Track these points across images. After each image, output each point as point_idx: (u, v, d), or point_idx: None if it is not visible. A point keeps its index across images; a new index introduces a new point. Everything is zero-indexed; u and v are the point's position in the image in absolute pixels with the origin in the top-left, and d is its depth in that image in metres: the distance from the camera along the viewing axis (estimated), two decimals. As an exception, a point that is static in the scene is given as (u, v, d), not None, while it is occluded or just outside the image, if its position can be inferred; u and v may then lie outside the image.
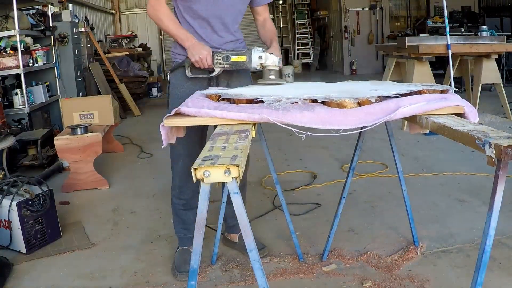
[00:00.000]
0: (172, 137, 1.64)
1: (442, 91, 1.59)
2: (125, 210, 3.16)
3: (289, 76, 10.24)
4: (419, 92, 1.57)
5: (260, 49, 1.98)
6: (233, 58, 1.98)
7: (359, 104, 1.47)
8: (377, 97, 1.50)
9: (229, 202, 2.07)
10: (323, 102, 1.51)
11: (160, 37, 12.42)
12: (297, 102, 1.48)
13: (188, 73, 2.08)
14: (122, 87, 7.42)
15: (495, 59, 5.23)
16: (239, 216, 1.15)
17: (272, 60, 1.96)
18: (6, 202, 2.50)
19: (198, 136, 2.19)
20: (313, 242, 2.52)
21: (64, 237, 2.73)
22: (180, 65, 2.10)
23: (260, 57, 1.95)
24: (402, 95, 1.54)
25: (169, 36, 2.07)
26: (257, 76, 2.00)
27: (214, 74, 2.05)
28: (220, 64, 2.00)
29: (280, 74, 2.00)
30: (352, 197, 3.15)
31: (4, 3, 4.68)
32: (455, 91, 1.66)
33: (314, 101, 1.52)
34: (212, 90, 1.81)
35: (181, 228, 2.34)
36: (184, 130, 1.70)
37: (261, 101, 1.51)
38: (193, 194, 2.26)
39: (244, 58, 1.97)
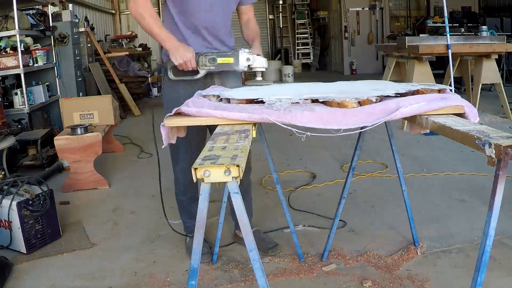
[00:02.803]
0: (172, 137, 1.64)
1: (439, 91, 1.59)
2: (125, 210, 3.16)
3: (289, 76, 10.23)
4: (417, 92, 1.57)
5: (247, 50, 1.96)
6: (220, 60, 1.94)
7: (360, 104, 1.47)
8: (377, 96, 1.50)
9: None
10: (323, 102, 1.51)
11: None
12: (298, 102, 1.48)
13: (170, 75, 2.05)
14: (122, 87, 7.42)
15: (495, 59, 5.23)
16: (239, 216, 1.15)
17: (260, 62, 1.95)
18: (6, 202, 2.50)
19: (200, 135, 2.24)
20: (313, 242, 2.52)
21: (64, 237, 2.73)
22: (163, 67, 2.09)
23: (248, 59, 1.93)
24: (401, 94, 1.54)
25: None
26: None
27: (198, 76, 2.00)
28: (206, 66, 1.96)
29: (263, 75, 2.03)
30: (352, 197, 3.15)
31: (4, 3, 4.68)
32: (455, 91, 1.66)
33: (315, 101, 1.52)
34: (212, 91, 1.81)
35: (189, 218, 2.45)
36: (185, 130, 1.70)
37: (262, 101, 1.51)
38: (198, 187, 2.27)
39: (231, 60, 1.93)
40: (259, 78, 1.98)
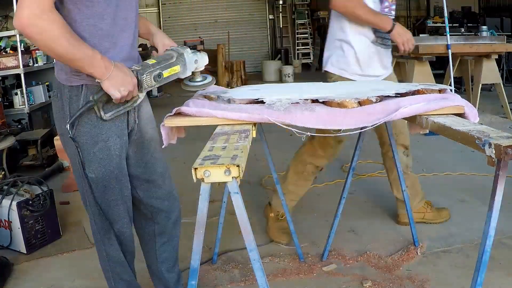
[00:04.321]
0: (173, 137, 1.64)
1: (440, 91, 1.59)
2: (125, 210, 3.16)
3: (289, 76, 10.22)
4: (417, 92, 1.57)
5: (189, 49, 1.56)
6: (166, 73, 1.47)
7: (360, 104, 1.47)
8: (377, 96, 1.50)
9: None
10: (323, 102, 1.51)
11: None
12: (298, 102, 1.48)
13: (103, 115, 1.43)
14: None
15: (495, 59, 5.23)
16: (239, 216, 1.16)
17: (204, 58, 1.59)
18: (6, 202, 2.50)
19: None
20: (313, 242, 2.52)
21: (64, 237, 2.73)
22: (87, 110, 1.42)
23: (196, 61, 1.56)
24: (401, 94, 1.54)
25: (64, 60, 1.35)
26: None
27: (139, 101, 1.49)
28: (151, 86, 1.46)
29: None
30: (352, 197, 3.14)
31: (4, 3, 4.68)
32: (455, 91, 1.66)
33: (315, 101, 1.53)
34: (212, 91, 1.81)
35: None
36: (185, 130, 1.70)
37: (262, 102, 1.51)
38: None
39: (177, 68, 1.51)
40: (200, 78, 1.62)
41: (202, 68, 1.60)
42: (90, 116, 1.44)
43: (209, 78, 1.66)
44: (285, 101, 1.47)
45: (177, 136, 1.67)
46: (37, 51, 5.11)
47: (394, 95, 1.52)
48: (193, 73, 1.59)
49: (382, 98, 1.52)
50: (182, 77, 1.56)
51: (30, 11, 1.22)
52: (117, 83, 1.36)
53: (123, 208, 1.61)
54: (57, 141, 3.60)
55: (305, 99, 1.51)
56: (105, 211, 1.58)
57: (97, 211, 1.58)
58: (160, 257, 1.80)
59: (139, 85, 1.42)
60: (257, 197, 3.26)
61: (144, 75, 1.42)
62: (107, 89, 1.37)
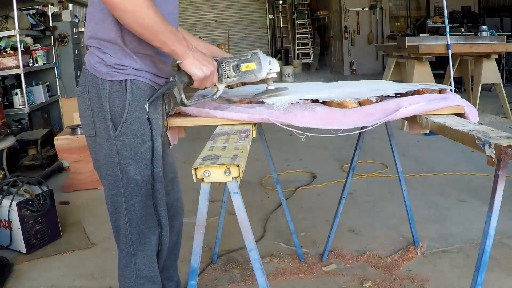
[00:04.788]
0: (175, 137, 1.63)
1: (440, 91, 1.59)
2: (125, 210, 3.16)
3: (289, 76, 10.22)
4: (417, 92, 1.57)
5: (261, 51, 1.53)
6: (243, 67, 1.45)
7: (360, 104, 1.47)
8: (377, 96, 1.50)
9: None
10: (323, 102, 1.51)
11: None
12: (298, 103, 1.48)
13: (184, 99, 1.38)
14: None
15: (495, 59, 5.23)
16: (239, 216, 1.15)
17: (277, 64, 1.54)
18: (6, 202, 2.50)
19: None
20: (313, 242, 2.52)
21: (64, 237, 2.73)
22: (167, 90, 1.37)
23: (270, 62, 1.51)
24: (401, 94, 1.54)
25: (147, 40, 1.26)
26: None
27: (218, 94, 1.44)
28: (229, 77, 1.42)
29: None
30: (352, 197, 3.15)
31: (4, 3, 4.68)
32: (455, 91, 1.66)
33: (315, 101, 1.52)
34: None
35: None
36: (185, 130, 1.70)
37: (262, 102, 1.51)
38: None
39: (253, 65, 1.47)
40: (272, 86, 1.55)
41: (276, 71, 1.52)
42: (138, 113, 1.33)
43: (282, 87, 1.58)
44: (285, 101, 1.47)
45: (178, 136, 1.67)
46: (37, 51, 5.11)
47: (394, 95, 1.52)
48: (266, 80, 1.53)
49: (382, 98, 1.52)
50: (259, 76, 1.49)
51: None
52: (199, 63, 1.30)
53: (165, 215, 1.46)
54: (57, 141, 3.60)
55: (305, 99, 1.51)
56: (144, 218, 1.40)
57: (135, 219, 1.40)
58: (161, 265, 1.65)
59: (219, 73, 1.38)
60: (257, 197, 3.26)
61: (223, 64, 1.40)
62: (188, 67, 1.30)
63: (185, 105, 1.41)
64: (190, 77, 1.33)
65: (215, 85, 1.40)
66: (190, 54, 1.29)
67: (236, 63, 1.42)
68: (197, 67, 1.30)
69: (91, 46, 1.36)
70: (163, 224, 1.46)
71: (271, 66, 1.50)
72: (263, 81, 1.55)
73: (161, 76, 1.41)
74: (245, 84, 1.95)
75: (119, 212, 1.42)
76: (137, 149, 1.35)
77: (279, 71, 1.56)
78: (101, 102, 1.34)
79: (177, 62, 1.31)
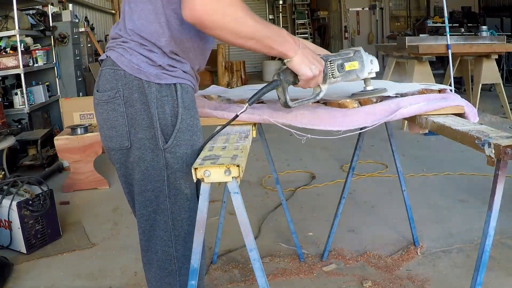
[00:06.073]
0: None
1: (440, 91, 1.59)
2: (125, 210, 3.16)
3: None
4: (418, 92, 1.57)
5: (363, 49, 1.41)
6: (347, 66, 1.34)
7: (360, 104, 1.47)
8: (378, 96, 1.50)
9: None
10: (324, 103, 1.51)
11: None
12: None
13: (288, 100, 1.28)
14: (122, 87, 7.39)
15: (495, 59, 5.23)
16: (239, 216, 1.15)
17: (377, 63, 1.42)
18: (6, 202, 2.50)
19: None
20: (313, 242, 2.52)
21: (64, 237, 2.73)
22: (270, 90, 1.26)
23: (372, 61, 1.40)
24: (401, 94, 1.54)
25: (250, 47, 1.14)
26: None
27: (321, 95, 1.34)
28: (334, 77, 1.32)
29: None
30: (352, 197, 3.15)
31: (4, 3, 4.68)
32: (455, 91, 1.66)
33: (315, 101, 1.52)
34: (212, 91, 1.81)
35: None
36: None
37: (262, 102, 1.51)
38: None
39: (356, 64, 1.36)
40: (370, 87, 1.44)
41: (376, 71, 1.41)
42: (189, 121, 1.20)
43: (381, 87, 1.48)
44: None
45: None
46: (37, 51, 5.11)
47: (394, 95, 1.52)
48: (364, 80, 1.43)
49: (382, 98, 1.52)
50: (360, 76, 1.39)
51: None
52: (308, 61, 1.19)
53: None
54: (57, 141, 3.60)
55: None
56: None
57: (182, 235, 1.27)
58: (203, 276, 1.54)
59: (324, 72, 1.26)
60: (257, 197, 3.26)
61: (328, 62, 1.29)
62: (297, 66, 1.19)
63: (289, 107, 1.29)
64: (295, 76, 1.23)
65: (318, 85, 1.29)
66: (299, 51, 1.19)
67: (341, 61, 1.32)
68: (307, 65, 1.19)
69: (125, 42, 1.17)
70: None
71: (372, 65, 1.40)
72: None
73: (197, 82, 1.29)
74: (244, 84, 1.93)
75: (155, 230, 1.27)
76: (189, 161, 1.20)
77: (378, 70, 1.44)
78: (145, 109, 1.16)
79: (285, 61, 1.20)
